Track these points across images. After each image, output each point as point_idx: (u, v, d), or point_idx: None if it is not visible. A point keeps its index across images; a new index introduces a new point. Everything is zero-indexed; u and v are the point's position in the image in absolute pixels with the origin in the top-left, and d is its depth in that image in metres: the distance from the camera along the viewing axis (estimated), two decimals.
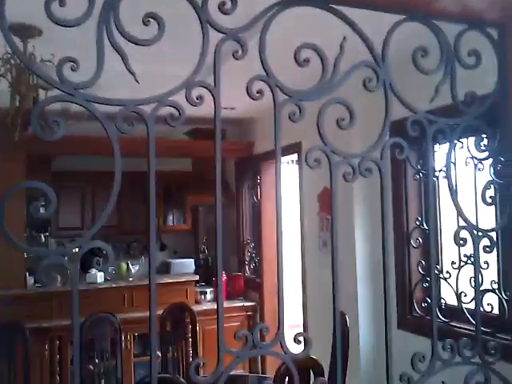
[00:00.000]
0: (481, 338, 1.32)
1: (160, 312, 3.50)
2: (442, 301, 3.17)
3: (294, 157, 4.54)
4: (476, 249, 1.34)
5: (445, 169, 2.86)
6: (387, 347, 1.24)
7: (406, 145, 1.22)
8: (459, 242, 1.32)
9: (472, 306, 2.80)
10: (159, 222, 6.56)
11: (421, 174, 3.18)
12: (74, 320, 0.97)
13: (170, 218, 6.70)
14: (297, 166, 4.57)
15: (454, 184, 1.42)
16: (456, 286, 2.99)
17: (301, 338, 1.11)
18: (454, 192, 1.33)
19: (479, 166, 2.20)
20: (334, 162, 1.16)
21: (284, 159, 5.00)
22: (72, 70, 0.92)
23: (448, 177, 1.36)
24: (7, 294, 4.04)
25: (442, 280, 3.12)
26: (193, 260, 6.36)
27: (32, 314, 3.97)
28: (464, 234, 1.33)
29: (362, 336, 3.22)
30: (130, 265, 5.21)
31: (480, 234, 1.33)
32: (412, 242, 3.20)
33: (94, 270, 4.64)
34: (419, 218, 3.22)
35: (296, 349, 1.10)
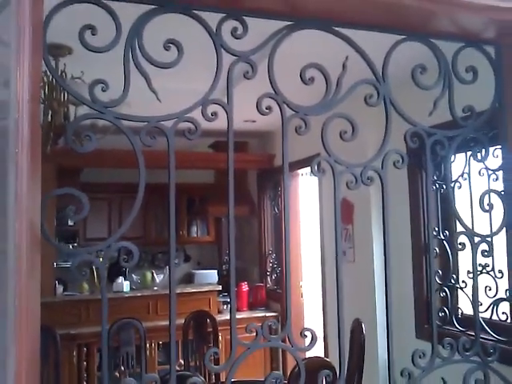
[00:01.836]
0: (479, 337, 1.40)
1: (182, 321, 3.62)
2: (459, 310, 3.21)
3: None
4: (474, 253, 1.42)
5: (461, 179, 2.93)
6: (389, 349, 1.33)
7: (407, 156, 1.32)
8: (458, 246, 1.40)
9: (487, 315, 2.84)
10: (183, 233, 6.72)
11: (437, 185, 3.25)
12: (102, 309, 1.09)
13: (194, 229, 6.85)
14: (316, 178, 4.67)
15: (453, 192, 1.50)
16: (472, 295, 3.03)
17: (307, 333, 1.21)
18: (452, 200, 1.42)
19: (493, 176, 2.28)
20: (337, 171, 1.26)
21: (303, 171, 5.11)
22: (102, 90, 1.05)
23: (447, 185, 1.45)
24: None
25: (458, 289, 3.17)
26: (216, 271, 6.48)
27: (60, 322, 4.12)
28: (463, 239, 1.42)
29: (379, 343, 3.28)
30: (154, 274, 5.35)
31: (479, 239, 1.42)
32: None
33: (120, 279, 4.80)
34: (436, 228, 3.28)
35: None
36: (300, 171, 5.14)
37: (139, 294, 4.80)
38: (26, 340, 0.83)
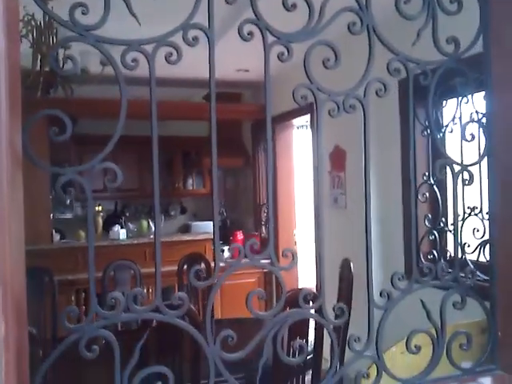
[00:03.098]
0: (458, 262, 1.45)
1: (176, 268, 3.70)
2: (448, 253, 3.29)
3: (307, 118, 4.64)
4: (455, 182, 1.46)
5: (451, 124, 2.93)
6: (368, 271, 1.38)
7: (388, 84, 1.33)
8: (439, 173, 1.43)
9: (474, 257, 2.91)
10: (179, 186, 6.77)
11: (428, 131, 3.26)
12: (88, 233, 1.13)
13: (190, 182, 6.90)
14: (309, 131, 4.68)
15: (440, 130, 1.52)
16: (460, 238, 3.11)
17: (288, 253, 1.25)
18: (436, 133, 1.44)
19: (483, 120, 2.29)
20: (319, 99, 1.28)
21: (297, 122, 5.11)
22: (83, 13, 1.05)
23: (429, 121, 1.46)
24: (34, 249, 4.28)
25: (447, 233, 3.24)
26: (211, 222, 6.56)
27: (58, 268, 4.20)
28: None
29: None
30: (150, 223, 5.43)
31: (459, 168, 1.45)
32: (419, 196, 3.31)
33: (116, 227, 4.87)
34: (426, 173, 3.32)
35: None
36: (295, 122, 5.14)
37: (136, 242, 4.89)
38: (9, 262, 0.85)
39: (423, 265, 1.42)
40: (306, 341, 2.05)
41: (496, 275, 1.46)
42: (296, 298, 1.26)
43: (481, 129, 1.54)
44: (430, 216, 3.35)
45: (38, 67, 2.99)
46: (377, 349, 1.30)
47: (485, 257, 2.57)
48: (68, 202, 6.27)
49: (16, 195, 0.93)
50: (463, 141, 1.49)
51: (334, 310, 1.31)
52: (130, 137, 6.19)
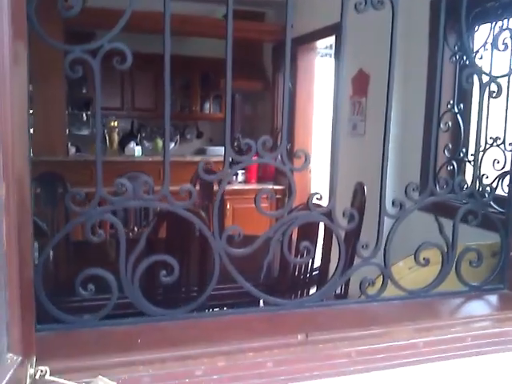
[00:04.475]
0: (476, 175, 1.40)
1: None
2: (465, 184, 3.23)
3: (332, 40, 4.46)
4: (482, 94, 1.39)
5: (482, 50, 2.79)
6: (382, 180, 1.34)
7: None
8: (466, 82, 1.36)
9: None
10: (196, 109, 6.68)
11: (457, 57, 3.12)
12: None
13: (207, 105, 6.79)
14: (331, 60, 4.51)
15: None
16: (479, 169, 3.05)
17: (301, 154, 1.21)
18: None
19: None
20: None
21: (320, 44, 4.92)
22: None
23: (462, 40, 1.36)
24: (50, 160, 4.31)
25: (466, 164, 3.17)
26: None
27: (73, 180, 4.23)
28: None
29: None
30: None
31: (487, 78, 1.37)
32: (442, 125, 3.21)
33: (132, 144, 4.85)
34: (451, 102, 3.21)
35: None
36: (318, 44, 4.95)
37: (150, 159, 4.88)
38: (10, 124, 0.80)
39: (440, 177, 1.37)
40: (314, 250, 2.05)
41: None
42: (306, 206, 1.24)
43: None
44: (449, 146, 3.29)
45: None
46: (384, 257, 1.28)
47: (502, 189, 2.52)
48: (85, 117, 6.26)
49: (19, 70, 0.88)
50: (495, 50, 1.40)
51: (343, 215, 1.28)
52: (147, 55, 6.04)
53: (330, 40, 4.46)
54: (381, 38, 1.30)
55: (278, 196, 5.22)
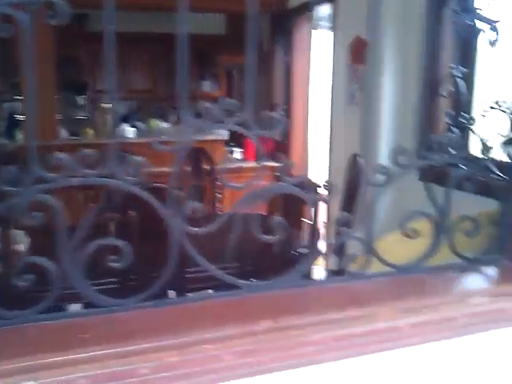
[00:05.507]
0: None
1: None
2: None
3: (327, 9, 4.26)
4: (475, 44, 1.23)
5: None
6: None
7: None
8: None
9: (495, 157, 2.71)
10: (193, 88, 6.50)
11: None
12: None
13: (205, 84, 6.62)
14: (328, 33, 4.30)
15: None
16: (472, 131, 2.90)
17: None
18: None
19: None
20: None
21: (317, 14, 4.72)
22: None
23: None
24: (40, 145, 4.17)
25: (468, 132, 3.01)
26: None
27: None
28: None
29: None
30: (160, 123, 5.26)
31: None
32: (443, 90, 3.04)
33: (123, 126, 4.71)
34: (453, 66, 3.02)
35: None
36: (314, 14, 4.75)
37: (145, 141, 4.73)
38: None
39: (432, 137, 1.23)
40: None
41: None
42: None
43: None
44: (451, 111, 3.11)
45: None
46: (366, 229, 1.14)
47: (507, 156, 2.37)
48: (81, 102, 6.14)
49: None
50: None
51: (324, 186, 1.14)
52: (141, 34, 5.81)
53: (326, 8, 4.27)
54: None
55: (276, 174, 5.06)
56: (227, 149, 5.24)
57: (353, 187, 2.41)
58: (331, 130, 4.09)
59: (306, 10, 4.51)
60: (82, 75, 6.10)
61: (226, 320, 0.94)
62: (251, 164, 5.08)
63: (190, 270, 1.97)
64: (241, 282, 1.01)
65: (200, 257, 1.03)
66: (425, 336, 0.99)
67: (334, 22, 3.97)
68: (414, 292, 1.09)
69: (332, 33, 4.05)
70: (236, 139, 5.53)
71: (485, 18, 1.22)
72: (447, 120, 3.07)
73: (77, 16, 5.46)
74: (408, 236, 1.18)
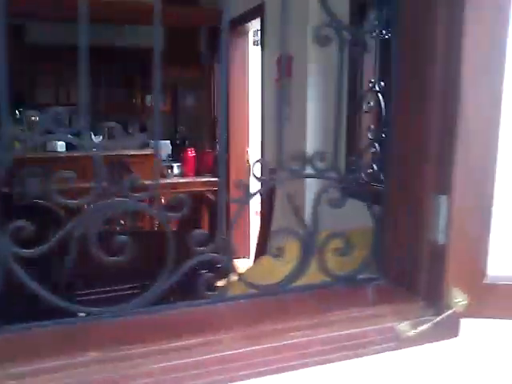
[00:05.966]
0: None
1: None
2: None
3: (257, 24, 4.24)
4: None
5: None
6: None
7: None
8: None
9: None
10: (137, 102, 6.39)
11: (376, 31, 2.95)
12: None
13: (149, 98, 6.51)
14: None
15: None
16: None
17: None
18: None
19: None
20: None
21: (253, 27, 4.72)
22: None
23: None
24: None
25: None
26: (169, 141, 6.22)
27: None
28: None
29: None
30: (92, 135, 5.10)
31: None
32: (364, 106, 3.04)
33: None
34: (372, 80, 3.03)
35: None
36: (250, 27, 4.73)
37: (76, 155, 4.58)
38: None
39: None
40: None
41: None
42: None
43: None
44: (372, 127, 3.11)
45: None
46: (224, 246, 1.07)
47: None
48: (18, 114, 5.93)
49: None
50: None
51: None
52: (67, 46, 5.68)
53: (257, 23, 4.26)
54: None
55: (215, 188, 5.00)
56: (166, 164, 5.14)
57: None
58: (262, 145, 4.06)
59: (238, 24, 4.48)
60: (20, 88, 5.91)
61: (48, 353, 0.84)
62: (191, 179, 5.00)
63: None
64: (80, 307, 0.92)
65: (31, 281, 0.94)
66: (270, 365, 0.92)
67: (262, 38, 3.97)
68: (271, 315, 1.02)
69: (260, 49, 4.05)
70: (176, 154, 5.46)
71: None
72: (369, 135, 3.07)
73: (13, 27, 5.30)
74: (273, 256, 1.12)
